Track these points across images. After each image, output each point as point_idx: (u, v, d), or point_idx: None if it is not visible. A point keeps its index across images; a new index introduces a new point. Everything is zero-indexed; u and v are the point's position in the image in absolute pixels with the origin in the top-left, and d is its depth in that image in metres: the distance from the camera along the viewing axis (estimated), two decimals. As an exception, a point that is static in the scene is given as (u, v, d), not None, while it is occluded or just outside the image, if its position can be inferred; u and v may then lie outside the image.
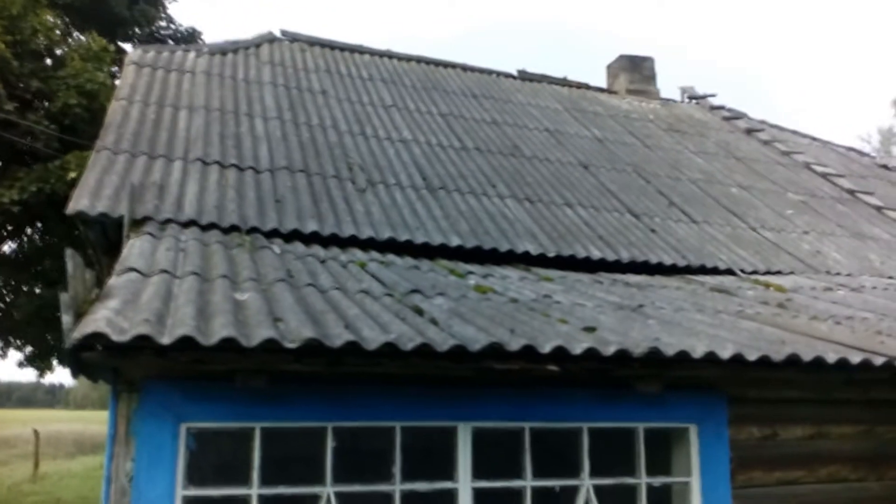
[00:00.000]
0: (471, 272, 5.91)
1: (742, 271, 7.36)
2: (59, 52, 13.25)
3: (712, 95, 13.52)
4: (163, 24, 15.86)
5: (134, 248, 4.80)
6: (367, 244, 6.17)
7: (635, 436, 4.54)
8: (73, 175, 10.24)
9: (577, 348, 3.85)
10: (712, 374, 4.41)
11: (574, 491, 4.36)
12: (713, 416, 4.70)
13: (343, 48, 10.83)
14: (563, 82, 12.37)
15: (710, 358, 4.11)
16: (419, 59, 11.37)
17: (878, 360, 4.50)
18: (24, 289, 13.58)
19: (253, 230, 5.84)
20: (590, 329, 4.28)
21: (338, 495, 3.89)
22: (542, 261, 6.62)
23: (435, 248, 6.37)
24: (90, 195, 5.73)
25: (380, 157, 7.85)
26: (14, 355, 14.99)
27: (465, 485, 4.11)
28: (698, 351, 4.10)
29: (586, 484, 4.36)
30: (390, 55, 11.20)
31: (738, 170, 10.55)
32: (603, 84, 13.12)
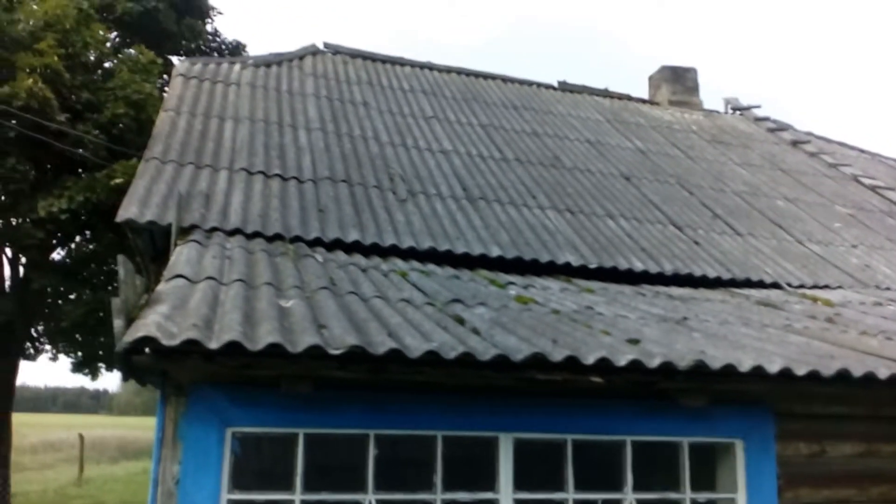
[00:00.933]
0: (511, 283, 5.89)
1: (789, 285, 7.21)
2: (108, 64, 13.62)
3: (757, 107, 13.33)
4: (209, 37, 16.18)
5: (181, 256, 4.90)
6: (408, 254, 6.21)
7: (680, 450, 4.46)
8: (118, 181, 10.49)
9: (622, 360, 3.81)
10: (759, 389, 4.33)
11: (617, 505, 4.31)
12: (760, 431, 4.60)
13: (384, 60, 10.94)
14: (605, 93, 12.31)
15: (758, 372, 4.03)
16: (459, 71, 11.43)
17: (932, 377, 4.37)
18: (72, 296, 13.91)
19: (296, 239, 5.92)
20: (633, 341, 4.24)
21: (379, 503, 3.90)
22: (583, 272, 6.58)
23: (475, 259, 6.37)
24: (139, 203, 5.86)
25: (420, 168, 7.89)
26: (63, 360, 15.38)
27: (506, 496, 4.09)
28: (745, 364, 4.03)
29: (629, 498, 4.31)
30: (430, 67, 11.28)
31: (784, 182, 10.36)
32: (644, 95, 13.02)
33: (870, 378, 4.26)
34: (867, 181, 11.11)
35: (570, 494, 4.22)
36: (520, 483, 4.13)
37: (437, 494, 3.99)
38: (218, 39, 16.32)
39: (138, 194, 6.02)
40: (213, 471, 3.64)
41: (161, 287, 4.15)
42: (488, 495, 4.09)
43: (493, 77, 11.61)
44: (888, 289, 7.64)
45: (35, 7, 12.27)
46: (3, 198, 12.26)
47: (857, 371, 4.26)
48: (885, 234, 9.32)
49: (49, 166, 12.32)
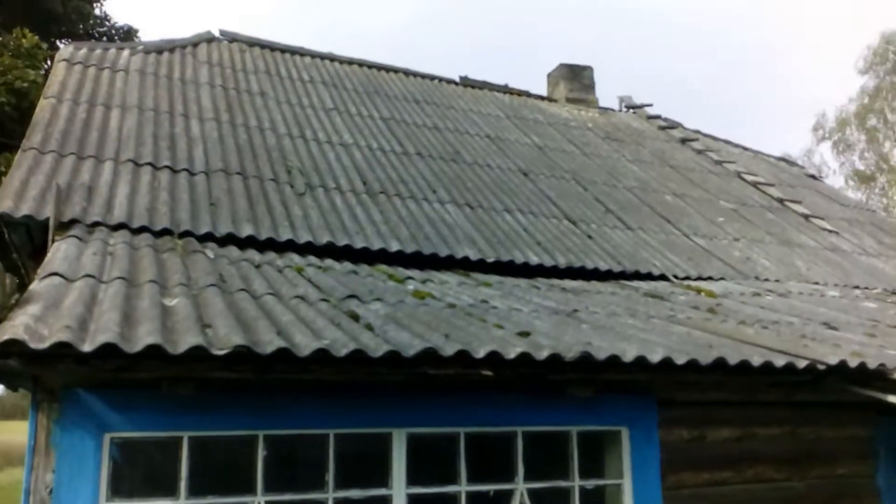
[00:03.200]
0: (410, 277, 5.90)
1: (675, 277, 7.54)
2: (-14, 47, 12.74)
3: (649, 105, 13.84)
4: (98, 21, 15.40)
5: (58, 252, 4.64)
6: (305, 249, 6.11)
7: (569, 439, 4.59)
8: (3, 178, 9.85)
9: (511, 353, 3.88)
10: (643, 378, 4.50)
11: (509, 495, 4.39)
12: (644, 418, 4.80)
13: (283, 50, 10.71)
14: (505, 89, 12.48)
15: (640, 362, 4.19)
16: (361, 63, 11.32)
17: (802, 364, 4.65)
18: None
19: (186, 234, 5.72)
20: (524, 334, 4.32)
21: (269, 504, 3.83)
22: (481, 266, 6.66)
23: (374, 254, 6.34)
24: (14, 196, 5.53)
25: (319, 161, 7.78)
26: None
27: (399, 491, 4.09)
28: (629, 355, 4.18)
29: (520, 488, 4.40)
30: (332, 58, 11.12)
31: (673, 178, 10.82)
32: (543, 91, 13.29)
33: (745, 366, 4.49)
34: (749, 178, 11.74)
35: (463, 487, 4.27)
36: (413, 478, 4.14)
37: (329, 493, 3.95)
38: (108, 24, 15.59)
39: (14, 187, 5.67)
40: (90, 478, 3.47)
41: (34, 286, 3.92)
42: (381, 491, 4.08)
43: (396, 70, 11.57)
44: (766, 280, 8.10)
45: None
46: None
47: (733, 359, 4.48)
48: (765, 227, 9.88)
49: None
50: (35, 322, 3.25)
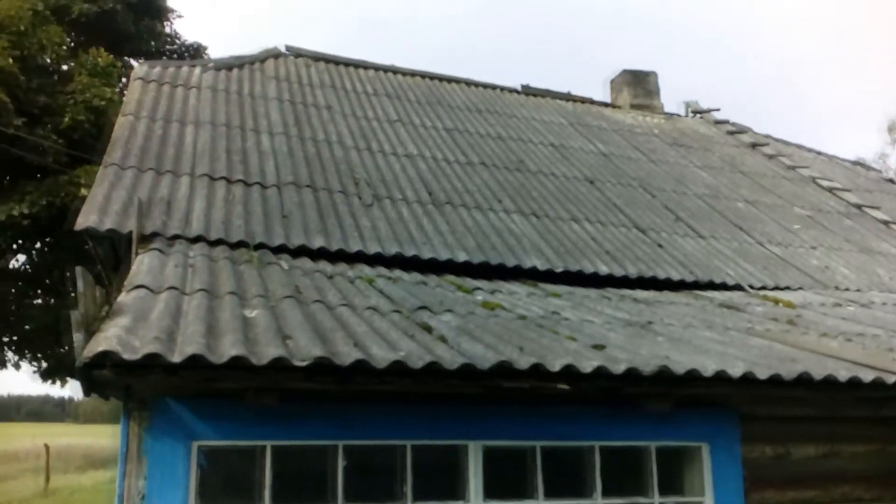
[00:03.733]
0: (478, 288, 5.89)
1: (750, 287, 7.33)
2: (65, 67, 13.33)
3: (716, 110, 13.55)
4: (168, 39, 15.94)
5: (143, 265, 4.80)
6: (374, 259, 6.17)
7: (647, 454, 4.50)
8: (84, 192, 10.26)
9: (587, 367, 3.83)
10: (723, 393, 4.38)
11: (586, 510, 4.33)
12: (725, 434, 4.66)
13: (347, 63, 10.87)
14: (567, 97, 12.40)
15: (721, 376, 4.08)
16: (423, 74, 11.41)
17: (891, 379, 4.47)
18: (36, 302, 13.57)
19: (260, 246, 5.84)
20: (599, 347, 4.26)
21: (348, 513, 3.86)
22: (549, 276, 6.60)
23: (442, 264, 6.36)
24: (98, 211, 5.73)
25: (385, 173, 7.85)
26: (26, 368, 14.97)
27: (475, 504, 4.08)
28: (708, 369, 4.08)
29: (599, 503, 4.32)
30: (394, 70, 11.24)
31: (744, 184, 10.54)
32: (606, 98, 13.15)
33: (830, 381, 4.34)
34: (825, 183, 11.36)
35: (540, 501, 4.23)
36: (489, 491, 4.12)
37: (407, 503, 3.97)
38: (178, 41, 16.11)
39: (97, 201, 5.88)
40: (180, 485, 3.57)
41: (122, 298, 4.06)
42: (458, 504, 4.08)
43: (457, 80, 11.61)
44: (847, 290, 7.81)
45: (-13, 8, 11.97)
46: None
47: (818, 374, 4.33)
48: (842, 235, 9.53)
49: (6, 171, 12.00)
50: (126, 334, 3.36)
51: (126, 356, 3.15)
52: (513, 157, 9.29)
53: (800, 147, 13.02)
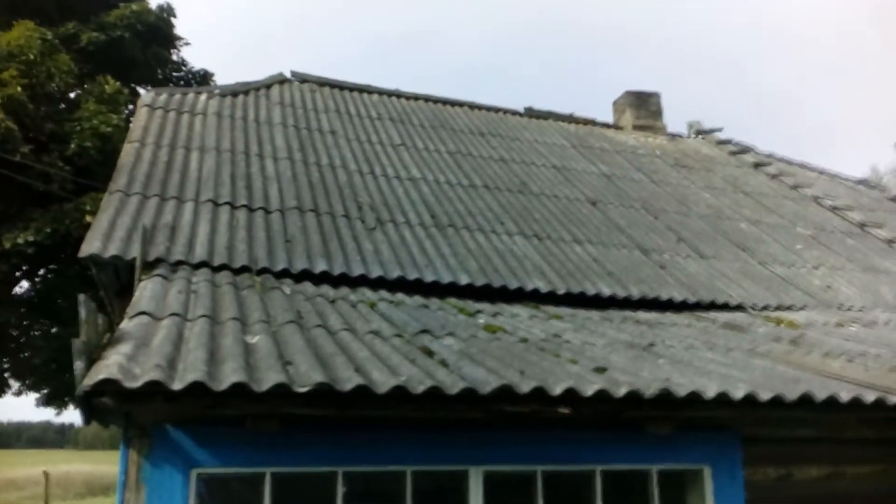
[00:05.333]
0: (480, 311, 5.91)
1: (753, 307, 7.33)
2: (72, 95, 13.49)
3: (719, 130, 13.59)
4: (175, 66, 16.12)
5: (146, 291, 4.83)
6: (377, 283, 6.19)
7: (649, 478, 4.49)
8: (89, 219, 10.34)
9: (588, 390, 3.83)
10: (725, 415, 4.37)
11: (588, 534, 4.31)
12: (727, 456, 4.65)
13: (352, 88, 10.98)
14: (570, 119, 12.47)
15: (722, 398, 4.08)
16: (426, 98, 11.51)
17: (893, 399, 4.45)
18: (37, 331, 13.63)
19: (263, 270, 5.88)
20: (600, 369, 4.27)
21: (348, 540, 3.86)
22: (551, 298, 6.62)
23: (444, 287, 6.38)
24: (102, 237, 5.79)
25: (388, 196, 7.90)
26: (26, 395, 14.98)
27: (476, 529, 4.06)
28: (710, 391, 4.08)
29: (600, 527, 4.31)
30: (398, 94, 11.34)
31: (747, 204, 10.56)
32: (609, 119, 13.22)
33: (832, 402, 4.33)
34: (827, 202, 11.36)
35: (541, 526, 4.21)
36: (490, 516, 4.11)
37: (407, 530, 3.96)
38: (184, 68, 16.28)
39: (102, 228, 5.94)
40: (178, 513, 3.58)
41: (124, 325, 4.09)
42: (459, 529, 4.06)
43: (461, 104, 11.70)
44: (850, 309, 7.79)
45: (-2, 37, 12.17)
46: (-36, 231, 12.02)
47: (820, 394, 4.32)
48: (845, 254, 9.52)
49: (12, 199, 12.12)
50: (128, 361, 3.39)
51: (127, 384, 3.18)
52: (516, 179, 9.34)
53: (803, 166, 13.04)
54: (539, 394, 3.76)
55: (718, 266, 8.17)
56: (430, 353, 4.34)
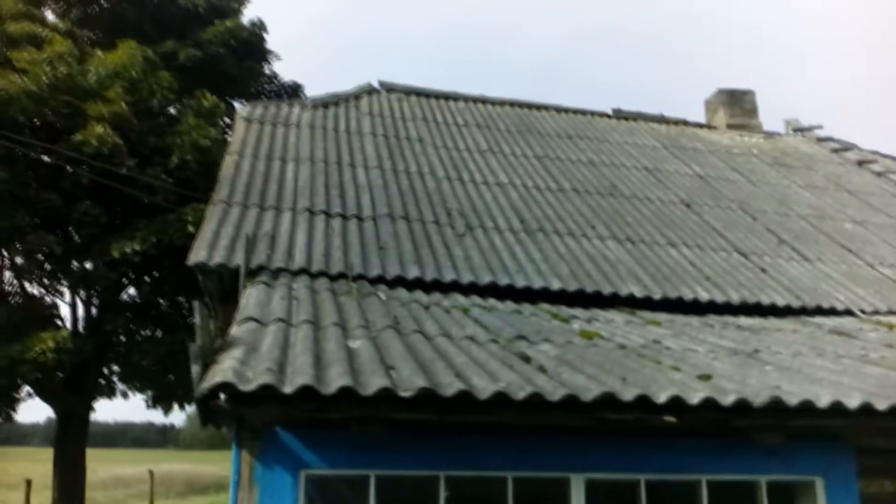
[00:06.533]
0: (574, 316, 5.85)
1: (862, 312, 6.97)
2: (172, 110, 14.13)
3: (819, 127, 13.01)
4: (267, 79, 16.64)
5: (251, 298, 5.02)
6: (468, 289, 6.22)
7: (757, 489, 4.33)
8: (192, 229, 10.81)
9: (694, 398, 3.74)
10: (838, 425, 4.18)
11: (693, 545, 4.20)
12: (840, 468, 4.44)
13: (438, 96, 11.09)
14: (660, 119, 12.20)
15: (837, 407, 3.91)
16: (512, 103, 11.50)
17: None
18: (142, 336, 14.30)
19: (359, 277, 6.01)
20: (705, 377, 4.15)
21: (450, 544, 3.89)
22: (647, 303, 6.48)
23: (536, 292, 6.35)
24: (207, 247, 6.04)
25: (477, 202, 7.93)
26: (132, 397, 15.72)
27: (578, 537, 4.02)
28: (823, 400, 3.91)
29: (706, 539, 4.19)
30: (484, 100, 11.38)
31: (851, 204, 10.06)
32: (701, 119, 12.86)
33: (957, 411, 4.07)
34: (940, 200, 10.69)
35: (645, 535, 4.13)
36: (592, 524, 4.06)
37: (508, 536, 3.95)
38: (276, 82, 16.77)
39: (207, 238, 6.20)
40: (289, 513, 3.69)
41: (234, 331, 4.26)
42: (561, 536, 4.03)
43: (547, 108, 11.64)
44: (970, 313, 7.30)
45: (103, 57, 12.85)
46: (77, 241, 12.75)
47: (943, 404, 4.07)
48: (962, 254, 8.93)
49: (119, 210, 12.78)
50: (240, 365, 3.53)
51: (241, 387, 3.31)
52: (605, 182, 9.21)
53: (911, 163, 12.32)
54: (643, 402, 3.69)
55: (823, 268, 7.82)
56: (527, 358, 4.33)
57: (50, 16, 14.36)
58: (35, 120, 12.11)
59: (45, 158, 12.12)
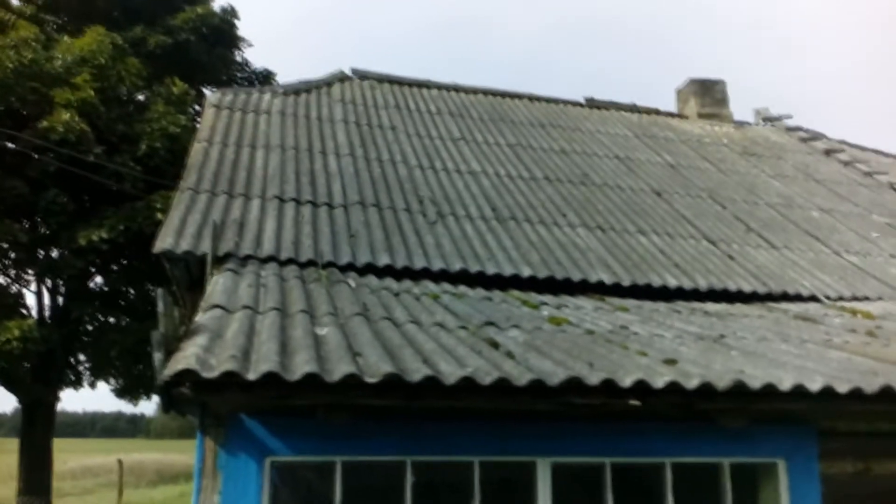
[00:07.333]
0: (544, 303, 5.88)
1: (827, 298, 7.09)
2: (141, 97, 13.95)
3: (788, 116, 13.17)
4: (239, 67, 16.47)
5: (217, 285, 4.97)
6: (439, 276, 6.22)
7: (720, 471, 4.40)
8: (160, 217, 10.70)
9: (659, 382, 3.77)
10: (800, 408, 4.24)
11: (658, 528, 4.25)
12: (802, 450, 4.52)
13: (411, 84, 11.04)
14: (632, 108, 12.26)
15: (799, 391, 3.96)
16: (485, 91, 11.49)
17: (982, 392, 4.24)
18: (111, 324, 14.16)
19: (329, 264, 5.97)
20: (670, 361, 4.19)
21: (417, 530, 3.89)
22: (616, 290, 6.53)
23: (507, 279, 6.36)
24: (174, 234, 5.97)
25: (449, 190, 7.92)
26: (101, 387, 15.59)
27: (545, 521, 4.05)
28: (785, 383, 3.97)
29: (670, 521, 4.24)
30: (457, 88, 11.35)
31: (819, 192, 10.21)
32: (672, 108, 12.95)
33: (915, 394, 4.15)
34: (905, 189, 10.89)
35: (611, 518, 4.17)
36: (558, 508, 4.09)
37: (475, 520, 3.97)
38: (247, 69, 16.62)
39: (174, 225, 6.12)
40: (254, 500, 3.68)
41: (199, 318, 4.21)
42: (527, 520, 4.06)
43: (520, 96, 11.63)
44: (931, 299, 7.45)
45: (71, 42, 12.63)
46: (44, 230, 12.56)
47: (902, 387, 4.15)
48: (925, 242, 9.11)
49: (87, 198, 12.60)
50: (204, 352, 3.49)
51: (204, 374, 3.27)
52: (577, 170, 9.25)
53: (877, 152, 12.53)
54: (608, 386, 3.72)
55: (790, 256, 7.93)
56: (495, 344, 4.34)
57: (14, 0, 14.07)
58: (0, 106, 11.87)
59: (11, 146, 11.90)
